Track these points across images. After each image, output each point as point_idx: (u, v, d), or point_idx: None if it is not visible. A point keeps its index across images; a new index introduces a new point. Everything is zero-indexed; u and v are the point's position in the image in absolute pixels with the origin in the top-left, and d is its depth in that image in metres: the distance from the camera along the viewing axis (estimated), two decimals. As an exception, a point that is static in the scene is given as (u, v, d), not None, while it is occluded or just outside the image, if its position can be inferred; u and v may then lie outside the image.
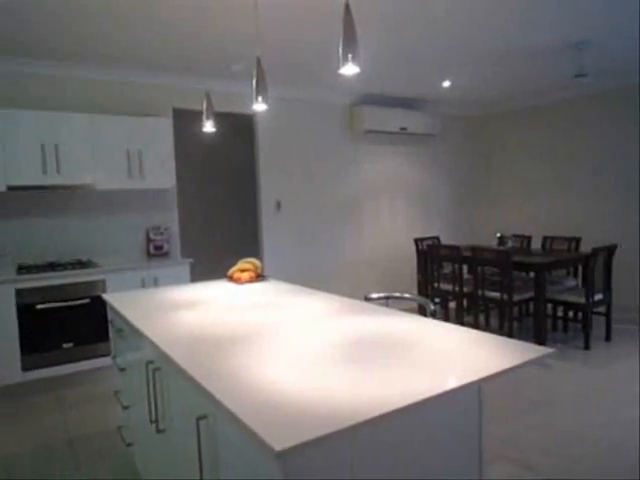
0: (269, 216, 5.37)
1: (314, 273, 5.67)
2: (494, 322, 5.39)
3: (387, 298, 2.52)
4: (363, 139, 6.03)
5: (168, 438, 1.84)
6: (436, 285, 5.26)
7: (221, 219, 6.64)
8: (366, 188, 6.10)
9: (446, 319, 5.22)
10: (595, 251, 4.34)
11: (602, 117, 5.77)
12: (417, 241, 5.70)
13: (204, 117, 2.81)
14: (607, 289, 4.59)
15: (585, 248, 5.54)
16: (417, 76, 5.11)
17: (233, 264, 3.19)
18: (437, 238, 6.01)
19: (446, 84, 5.47)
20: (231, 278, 3.06)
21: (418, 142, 6.53)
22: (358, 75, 4.90)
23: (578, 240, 5.25)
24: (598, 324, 4.92)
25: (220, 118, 5.01)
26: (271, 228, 5.38)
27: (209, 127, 2.82)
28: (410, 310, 3.21)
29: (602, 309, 4.61)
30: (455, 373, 1.36)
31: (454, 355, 1.51)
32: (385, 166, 6.26)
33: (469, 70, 4.96)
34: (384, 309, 2.18)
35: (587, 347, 4.40)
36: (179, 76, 4.71)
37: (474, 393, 1.51)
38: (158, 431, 1.87)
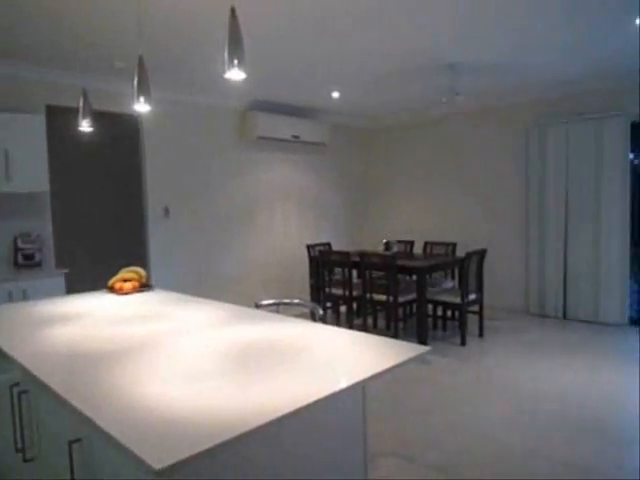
0: (156, 223, 5.12)
1: (205, 281, 5.52)
2: (382, 323, 5.65)
3: (277, 304, 2.53)
4: (255, 145, 6.01)
5: (37, 467, 1.67)
6: (327, 290, 5.39)
7: (103, 226, 6.20)
8: (259, 195, 6.09)
9: (337, 323, 5.37)
10: (468, 255, 4.75)
11: (474, 133, 6.34)
12: (309, 247, 5.81)
13: (80, 115, 2.62)
14: (479, 290, 5.03)
15: (460, 252, 6.03)
16: (307, 85, 5.22)
17: (116, 274, 2.99)
18: (328, 244, 6.17)
19: (335, 95, 5.66)
20: (112, 289, 2.88)
21: (310, 150, 6.66)
22: (248, 81, 4.88)
23: (454, 245, 5.71)
24: (473, 322, 5.38)
25: (104, 118, 4.69)
26: (159, 235, 5.14)
27: (85, 126, 2.65)
28: (301, 315, 3.25)
29: (475, 308, 5.05)
30: (340, 375, 1.40)
31: (340, 357, 1.56)
32: (278, 173, 6.30)
33: (355, 84, 5.18)
34: (273, 316, 2.18)
35: (463, 343, 4.79)
36: (54, 70, 4.33)
37: (358, 393, 1.57)
38: (25, 460, 1.69)
